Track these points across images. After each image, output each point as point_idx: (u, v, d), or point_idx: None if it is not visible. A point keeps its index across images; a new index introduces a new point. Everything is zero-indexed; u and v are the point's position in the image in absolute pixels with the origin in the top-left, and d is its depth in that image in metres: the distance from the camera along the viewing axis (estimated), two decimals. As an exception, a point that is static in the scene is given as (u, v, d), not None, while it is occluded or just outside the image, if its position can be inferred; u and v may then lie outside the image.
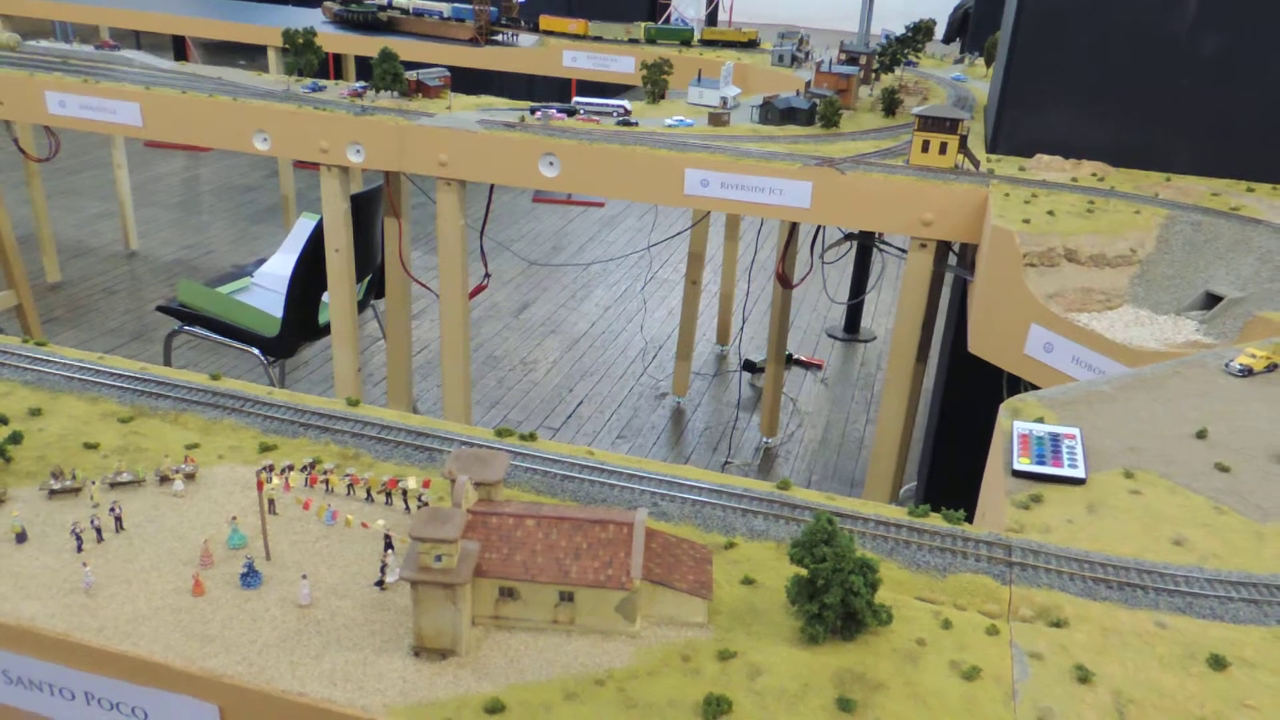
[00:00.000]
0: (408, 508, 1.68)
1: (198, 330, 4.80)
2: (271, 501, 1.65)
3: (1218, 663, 1.35)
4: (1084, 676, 1.32)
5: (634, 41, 6.19)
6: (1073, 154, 3.69)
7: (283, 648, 1.36)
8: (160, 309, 4.94)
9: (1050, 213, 3.12)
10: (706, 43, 6.17)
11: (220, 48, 12.31)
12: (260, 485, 1.55)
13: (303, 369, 6.14)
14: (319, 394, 2.12)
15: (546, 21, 6.37)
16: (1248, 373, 2.16)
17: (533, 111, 4.07)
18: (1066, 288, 2.87)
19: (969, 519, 1.70)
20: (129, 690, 1.38)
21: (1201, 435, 1.91)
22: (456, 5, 6.31)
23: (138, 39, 11.91)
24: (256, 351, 4.71)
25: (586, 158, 3.77)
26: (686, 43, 6.15)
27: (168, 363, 4.98)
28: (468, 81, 4.92)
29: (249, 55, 10.94)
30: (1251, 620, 1.45)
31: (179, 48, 11.84)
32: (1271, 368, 2.19)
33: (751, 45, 6.17)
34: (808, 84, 4.52)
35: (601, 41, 6.23)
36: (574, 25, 6.30)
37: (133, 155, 8.97)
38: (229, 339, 4.74)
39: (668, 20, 11.45)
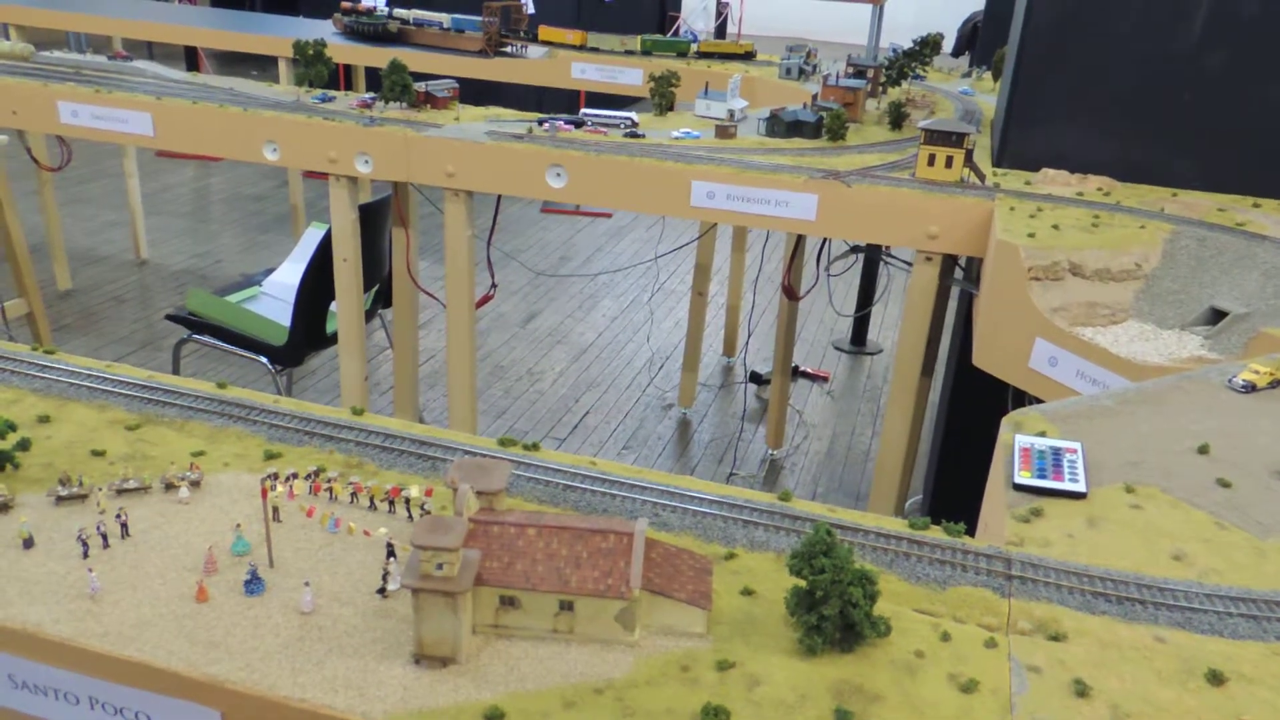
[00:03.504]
0: (410, 516, 1.69)
1: (206, 339, 4.83)
2: (275, 509, 1.66)
3: (1216, 678, 1.35)
4: (1082, 690, 1.32)
5: (630, 53, 6.23)
6: (1079, 169, 3.70)
7: (285, 654, 1.37)
8: (169, 318, 4.97)
9: (1055, 227, 3.13)
10: (704, 54, 6.20)
11: (232, 59, 12.40)
12: (264, 493, 1.56)
13: (310, 378, 6.17)
14: (326, 403, 2.14)
15: (545, 32, 6.42)
16: (1250, 388, 2.16)
17: (540, 123, 4.09)
18: (1071, 302, 2.87)
19: (972, 532, 1.71)
20: (133, 695, 1.39)
21: (1203, 450, 1.91)
22: (456, 16, 6.35)
23: (150, 50, 12.01)
24: (264, 360, 4.74)
25: (593, 169, 3.79)
26: (683, 54, 6.19)
27: (176, 371, 5.00)
28: (476, 93, 4.95)
29: (260, 66, 11.02)
30: (1250, 636, 1.45)
31: (191, 59, 11.94)
32: (1275, 384, 2.19)
33: (749, 57, 6.20)
34: (814, 97, 4.54)
35: (599, 53, 6.27)
36: (572, 36, 6.34)
37: (144, 165, 9.04)
38: (237, 348, 4.77)
39: (676, 32, 11.49)
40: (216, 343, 4.82)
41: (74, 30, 7.76)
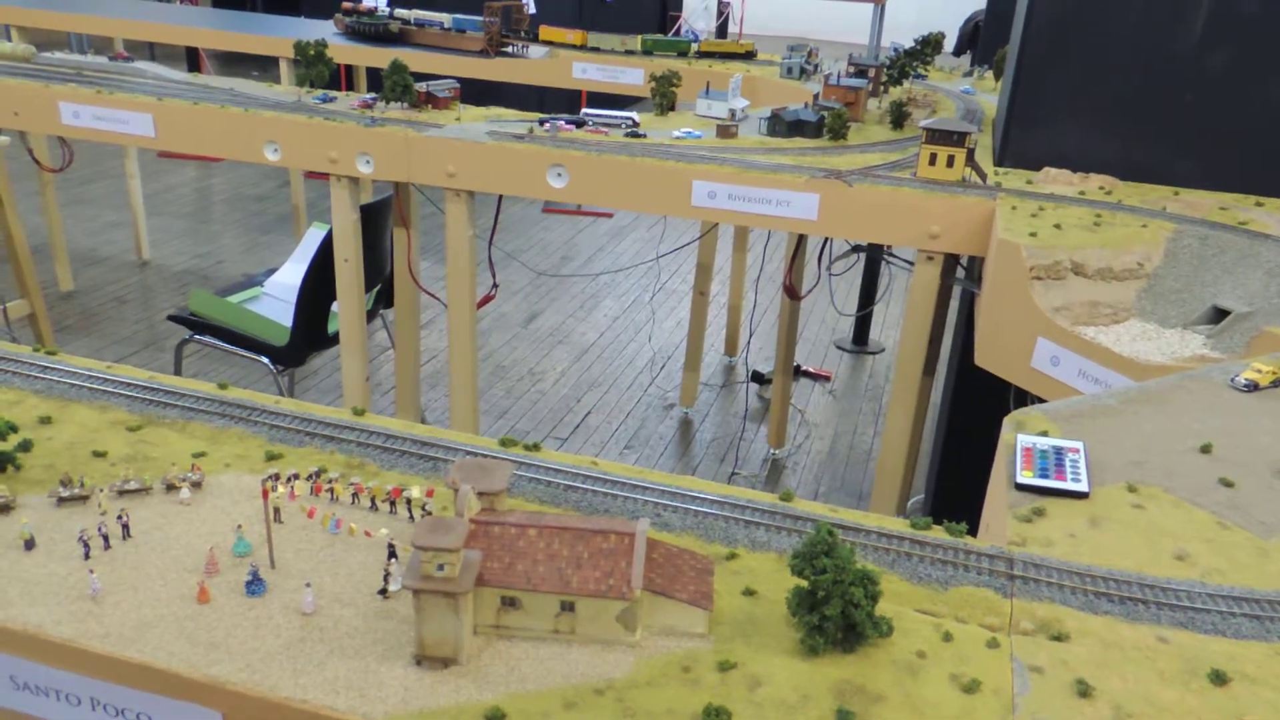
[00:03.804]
0: (411, 517, 1.69)
1: (208, 339, 4.83)
2: (276, 510, 1.66)
3: (1218, 678, 1.35)
4: (1084, 690, 1.32)
5: (631, 53, 6.23)
6: (1080, 168, 3.70)
7: (286, 655, 1.37)
8: (171, 318, 4.97)
9: (1057, 226, 3.13)
10: (704, 54, 6.20)
11: (233, 59, 12.41)
12: (266, 494, 1.56)
13: (311, 378, 6.17)
14: (327, 403, 2.14)
15: (546, 32, 6.42)
16: (1253, 387, 2.16)
17: (541, 123, 4.09)
18: (1073, 301, 2.87)
19: (974, 531, 1.70)
20: (134, 696, 1.39)
21: (1206, 450, 1.90)
22: (457, 16, 6.35)
23: (151, 51, 12.00)
24: (266, 360, 4.74)
25: (595, 169, 3.79)
26: (684, 54, 6.18)
27: (178, 371, 5.01)
28: (477, 93, 4.95)
29: (261, 66, 11.02)
30: (1253, 636, 1.45)
31: (192, 59, 11.94)
32: (1277, 383, 2.19)
33: (749, 57, 6.19)
34: (816, 96, 4.54)
35: (600, 52, 6.27)
36: (572, 35, 6.35)
37: (145, 165, 9.04)
38: (239, 348, 4.77)
39: (678, 32, 11.49)
40: (218, 343, 4.82)
41: (75, 31, 7.78)
